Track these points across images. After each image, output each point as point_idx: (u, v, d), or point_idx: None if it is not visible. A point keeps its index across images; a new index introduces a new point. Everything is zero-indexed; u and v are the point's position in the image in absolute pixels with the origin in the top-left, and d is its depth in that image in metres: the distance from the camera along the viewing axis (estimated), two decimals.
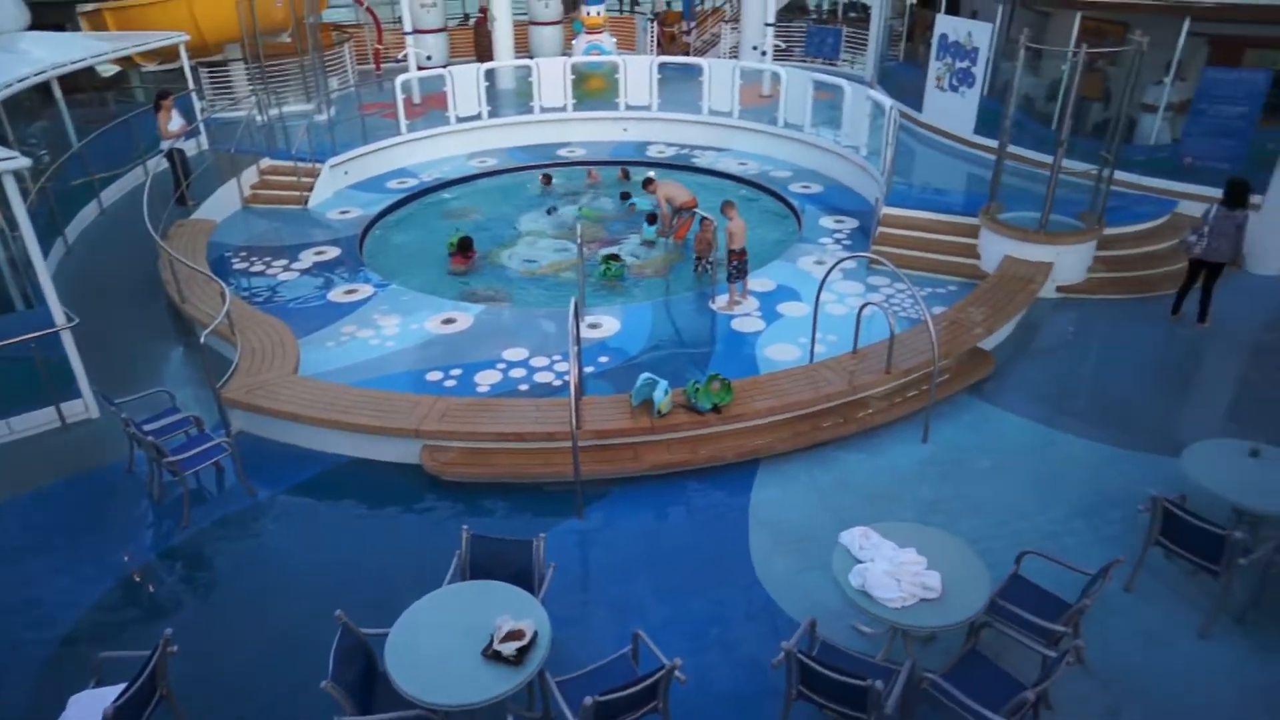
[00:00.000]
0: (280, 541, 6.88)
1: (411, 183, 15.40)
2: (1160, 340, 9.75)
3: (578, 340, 7.38)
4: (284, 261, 12.03)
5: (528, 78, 17.53)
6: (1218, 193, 9.70)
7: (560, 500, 7.19)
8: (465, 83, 16.73)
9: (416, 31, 19.32)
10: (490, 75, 17.66)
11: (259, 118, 15.36)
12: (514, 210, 14.42)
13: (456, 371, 8.98)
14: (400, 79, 16.38)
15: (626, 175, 15.54)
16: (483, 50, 22.32)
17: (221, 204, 13.75)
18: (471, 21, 25.31)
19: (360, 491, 7.45)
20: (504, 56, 20.08)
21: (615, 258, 11.85)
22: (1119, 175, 11.40)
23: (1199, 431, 7.45)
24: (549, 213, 14.14)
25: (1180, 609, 5.92)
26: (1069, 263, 10.62)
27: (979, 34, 14.01)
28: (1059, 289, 10.63)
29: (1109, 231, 11.03)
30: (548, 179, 15.43)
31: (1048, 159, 10.37)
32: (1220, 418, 8.49)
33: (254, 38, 15.61)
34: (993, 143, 11.56)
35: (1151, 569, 6.15)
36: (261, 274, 11.65)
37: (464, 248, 12.30)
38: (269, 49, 17.03)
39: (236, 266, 11.91)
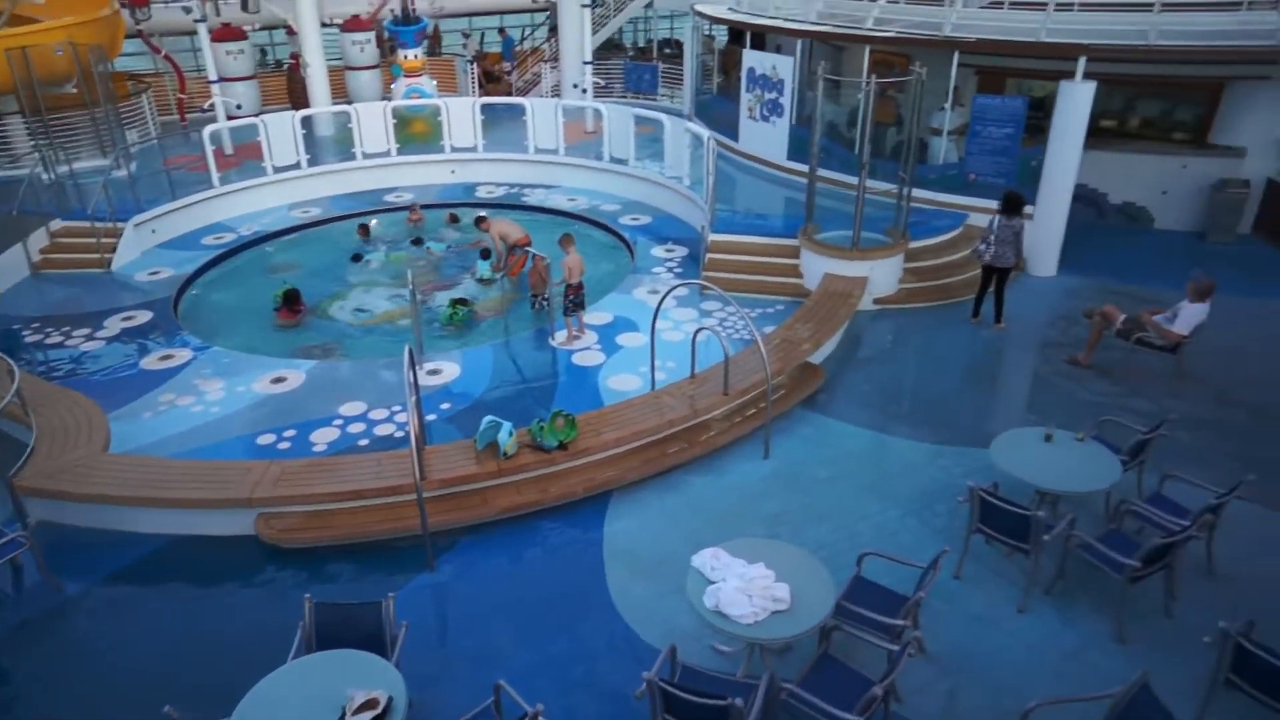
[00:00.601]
0: (96, 640, 6.26)
1: (229, 237, 14.61)
2: (965, 342, 10.63)
3: (416, 389, 7.21)
4: (86, 330, 11.08)
5: (347, 124, 17.09)
6: (997, 205, 10.74)
7: (410, 555, 6.97)
8: (280, 131, 16.11)
9: (223, 80, 18.43)
10: (307, 122, 17.10)
11: (45, 176, 14.13)
12: (343, 259, 13.96)
13: (291, 432, 8.55)
14: (208, 129, 15.57)
15: (455, 219, 15.39)
16: (297, 97, 21.54)
17: (4, 272, 12.51)
18: (284, 68, 24.37)
19: (189, 572, 6.92)
20: (320, 103, 19.48)
21: (463, 301, 11.71)
22: (917, 193, 12.40)
23: (1004, 422, 8.19)
24: (354, 260, 13.75)
25: (1002, 589, 6.44)
26: (882, 276, 11.43)
27: (783, 67, 14.92)
28: (875, 301, 11.40)
29: (913, 245, 11.97)
30: (365, 230, 14.95)
31: (854, 180, 11.16)
32: (1020, 408, 9.37)
33: (31, 89, 14.38)
34: (805, 168, 12.29)
35: (975, 555, 6.66)
36: (60, 345, 10.67)
37: (291, 301, 11.78)
38: (52, 101, 15.75)
39: (29, 339, 10.85)
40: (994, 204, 11.13)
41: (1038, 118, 12.77)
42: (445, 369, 9.83)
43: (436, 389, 9.36)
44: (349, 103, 19.79)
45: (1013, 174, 12.67)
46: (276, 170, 16.12)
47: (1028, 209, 11.64)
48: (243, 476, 7.30)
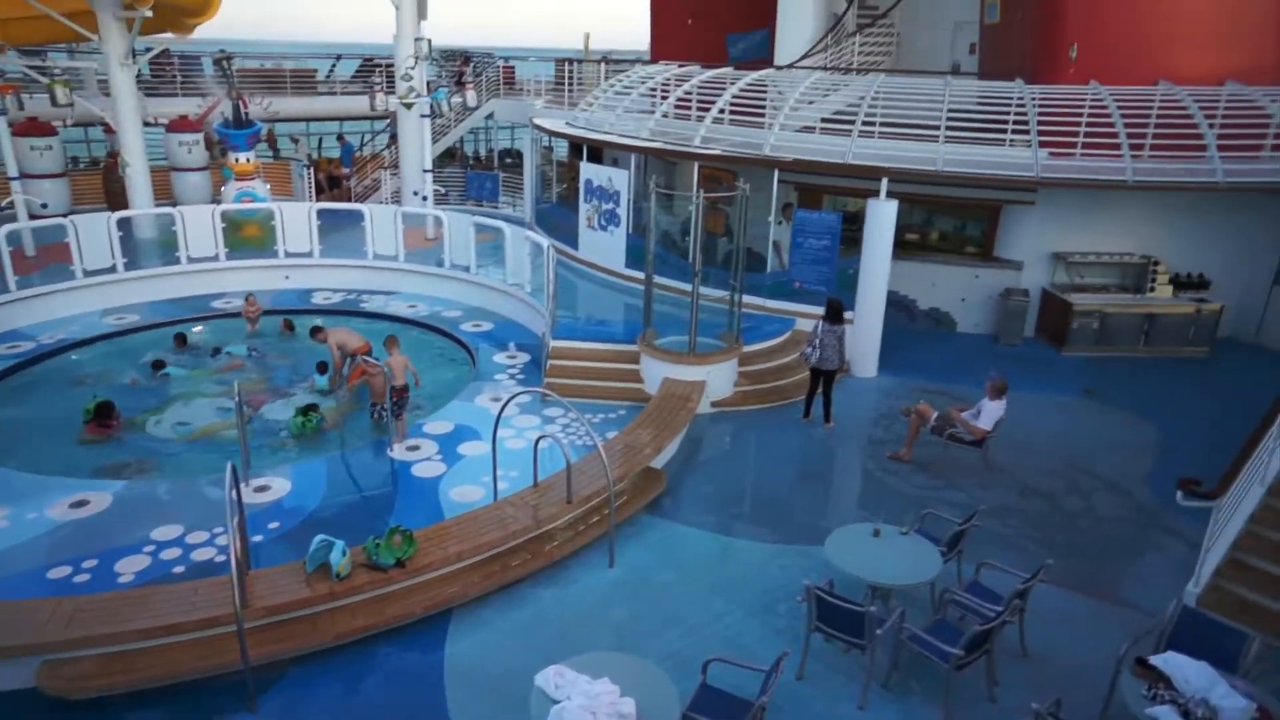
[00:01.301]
0: None
1: (27, 346, 13.38)
2: (799, 442, 11.17)
3: (239, 507, 6.76)
4: None
5: (171, 226, 16.29)
6: (822, 310, 11.53)
7: (228, 695, 6.37)
8: (93, 232, 15.14)
9: (25, 176, 17.22)
10: (125, 224, 16.17)
11: None
12: (182, 369, 13.06)
13: (91, 563, 7.74)
14: (4, 229, 14.40)
15: (289, 326, 14.82)
16: (114, 197, 20.40)
17: None
18: (101, 166, 23.09)
19: None
20: (141, 204, 18.52)
21: (314, 408, 11.19)
22: (748, 299, 13.13)
23: (837, 519, 8.60)
24: (154, 368, 12.89)
25: (843, 686, 6.62)
26: (718, 380, 11.90)
27: (619, 180, 15.62)
28: (713, 404, 11.82)
29: (746, 349, 12.58)
30: (182, 339, 14.10)
31: (689, 287, 11.68)
32: (851, 504, 9.88)
33: None
34: (642, 275, 12.77)
35: (816, 653, 6.84)
36: None
37: (103, 414, 10.87)
38: None
39: None
40: (818, 309, 11.97)
41: (853, 230, 13.95)
42: (274, 485, 9.27)
43: (264, 507, 8.79)
44: (174, 204, 18.95)
45: (832, 282, 13.69)
46: (88, 274, 15.05)
47: (848, 314, 12.57)
48: (24, 618, 6.50)
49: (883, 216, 12.77)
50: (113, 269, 15.40)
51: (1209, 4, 14.90)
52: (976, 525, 7.79)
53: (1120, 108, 13.78)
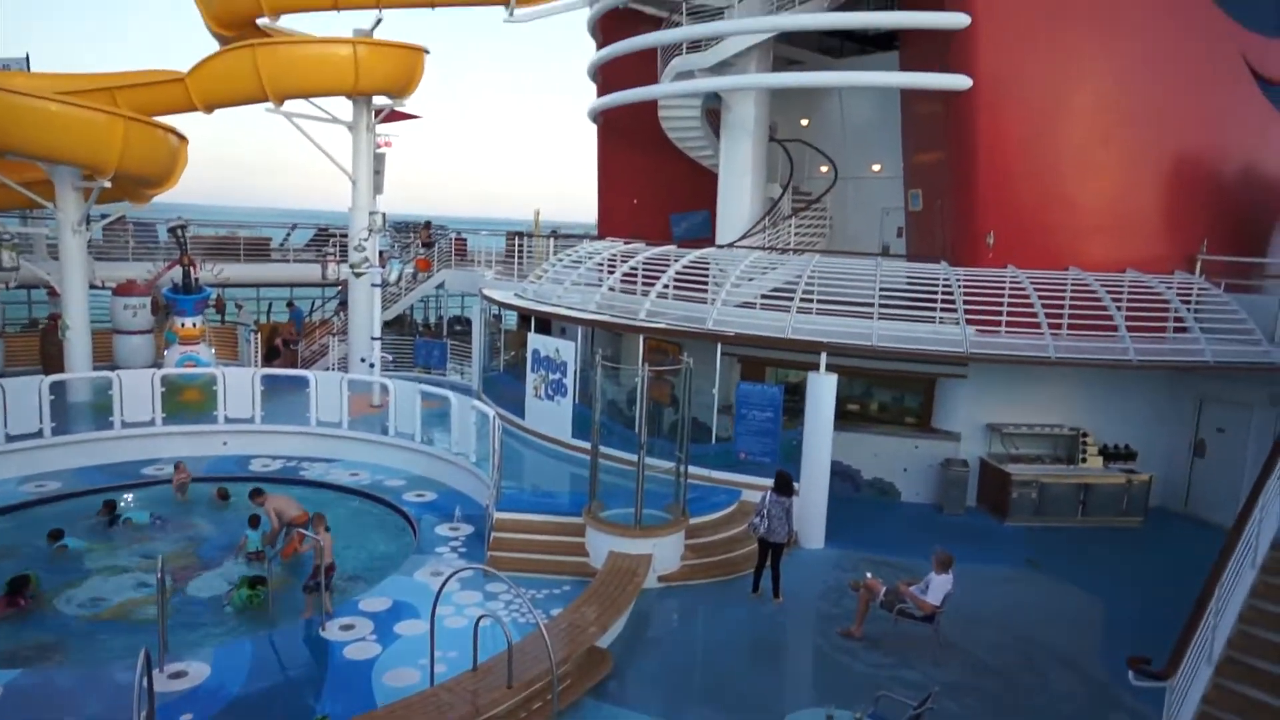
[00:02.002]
0: None
1: None
2: (748, 618, 10.90)
3: (150, 698, 6.27)
4: None
5: (108, 390, 15.97)
6: (769, 482, 11.60)
7: None
8: (21, 396, 14.73)
9: None
10: (59, 388, 15.79)
11: None
12: (82, 541, 12.39)
13: None
14: None
15: (224, 495, 14.33)
16: (50, 360, 20.02)
17: None
18: (40, 328, 22.77)
19: None
20: (78, 367, 18.20)
21: (261, 581, 10.62)
22: (694, 470, 13.18)
23: (790, 701, 8.31)
24: (51, 540, 12.10)
25: None
26: (665, 553, 11.72)
27: (565, 351, 15.94)
28: (660, 579, 11.56)
29: (693, 521, 12.49)
30: (110, 507, 13.44)
31: (635, 457, 11.70)
32: (805, 685, 9.57)
33: None
34: (588, 445, 12.78)
35: None
36: None
37: (15, 589, 10.21)
38: None
39: None
40: (764, 480, 12.04)
41: (795, 401, 14.30)
42: (192, 670, 8.65)
43: (179, 695, 8.16)
44: (113, 368, 18.65)
45: (776, 453, 13.87)
46: (10, 439, 14.52)
47: (796, 485, 12.66)
48: None
49: (823, 389, 13.16)
50: (39, 434, 14.90)
51: (1105, 202, 16.38)
52: (931, 707, 7.59)
53: (1037, 290, 14.77)
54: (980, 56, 15.64)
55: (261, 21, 20.68)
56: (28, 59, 22.19)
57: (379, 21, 20.51)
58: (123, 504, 13.83)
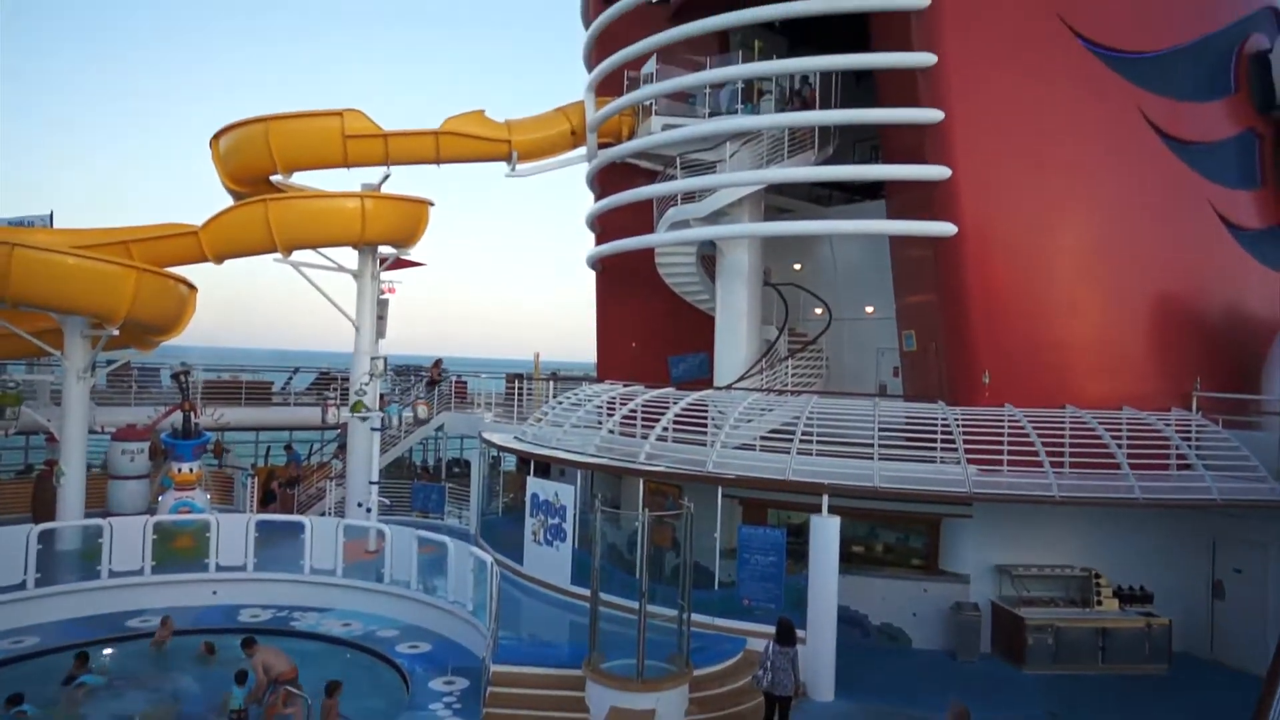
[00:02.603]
0: None
1: None
2: None
3: None
4: None
5: (98, 538, 15.69)
6: (773, 628, 11.21)
7: None
8: (7, 546, 14.49)
9: None
10: (47, 537, 15.53)
11: None
12: (40, 710, 11.81)
13: None
14: None
15: (210, 650, 13.81)
16: (42, 507, 19.77)
17: None
18: (34, 474, 22.62)
19: None
20: (71, 514, 17.97)
21: None
22: (697, 617, 12.72)
23: None
24: (15, 713, 11.22)
25: None
26: (669, 708, 11.15)
27: (565, 495, 15.78)
28: None
29: (697, 672, 11.96)
30: (83, 660, 12.81)
31: (636, 605, 11.33)
32: None
33: None
34: (588, 592, 12.43)
35: None
36: None
37: None
38: None
39: None
40: (768, 627, 11.63)
41: (799, 544, 14.02)
42: None
43: None
44: (105, 514, 18.42)
45: (781, 598, 13.49)
46: None
47: (800, 633, 12.24)
48: None
49: (827, 532, 12.95)
50: (22, 585, 14.53)
51: (1096, 341, 16.69)
52: None
53: (1036, 428, 14.78)
54: (963, 205, 16.32)
55: (275, 178, 21.66)
56: (51, 216, 23.10)
57: (387, 176, 21.50)
58: (95, 665, 13.13)
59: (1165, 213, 17.34)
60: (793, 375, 19.82)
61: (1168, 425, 15.17)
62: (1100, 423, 14.90)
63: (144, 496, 20.98)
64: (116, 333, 18.30)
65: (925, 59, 16.47)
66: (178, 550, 17.36)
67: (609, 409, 17.84)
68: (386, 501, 20.81)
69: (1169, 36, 17.84)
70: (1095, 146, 17.00)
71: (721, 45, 21.05)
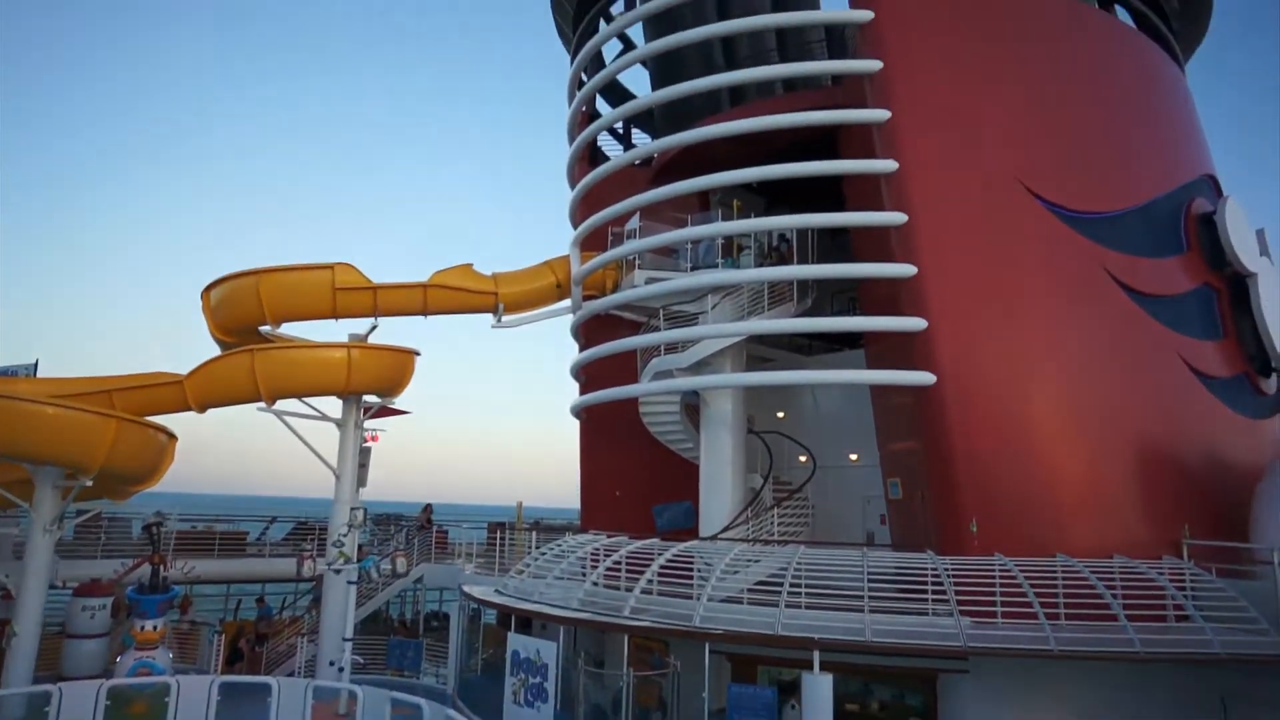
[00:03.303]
0: None
1: None
2: None
3: None
4: None
5: (44, 706, 14.74)
6: None
7: None
8: None
9: None
10: None
11: None
12: None
13: None
14: None
15: None
16: None
17: None
18: None
19: None
20: (18, 679, 17.00)
21: None
22: None
23: None
24: None
25: None
26: None
27: (546, 652, 15.14)
28: None
29: None
30: None
31: None
32: None
33: None
34: None
35: None
36: None
37: None
38: None
39: None
40: None
41: (791, 700, 13.37)
42: None
43: None
44: (58, 678, 17.43)
45: None
46: None
47: None
48: None
49: (819, 691, 12.45)
50: None
51: (1081, 489, 16.73)
52: None
53: (1028, 578, 14.51)
54: (940, 355, 16.71)
55: (264, 329, 21.94)
56: (36, 365, 23.12)
57: (374, 327, 21.83)
58: None
59: (1138, 362, 17.83)
60: (779, 524, 19.56)
61: (1161, 574, 14.95)
62: (1093, 571, 14.67)
63: (102, 657, 19.95)
64: (90, 483, 17.94)
65: (896, 218, 17.32)
66: (133, 716, 16.32)
67: (593, 560, 17.43)
68: (360, 660, 19.89)
69: (1122, 199, 18.98)
70: (1064, 299, 17.67)
71: (702, 203, 22.10)
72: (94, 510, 22.39)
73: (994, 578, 14.60)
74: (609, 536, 18.86)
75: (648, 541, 17.66)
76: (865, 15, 18.50)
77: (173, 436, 19.80)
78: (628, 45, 26.46)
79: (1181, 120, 22.82)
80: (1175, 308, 18.95)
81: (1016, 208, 17.75)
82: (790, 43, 25.35)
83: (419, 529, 26.65)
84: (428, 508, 28.80)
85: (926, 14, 18.80)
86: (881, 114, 17.83)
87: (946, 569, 14.84)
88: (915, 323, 16.86)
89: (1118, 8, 22.82)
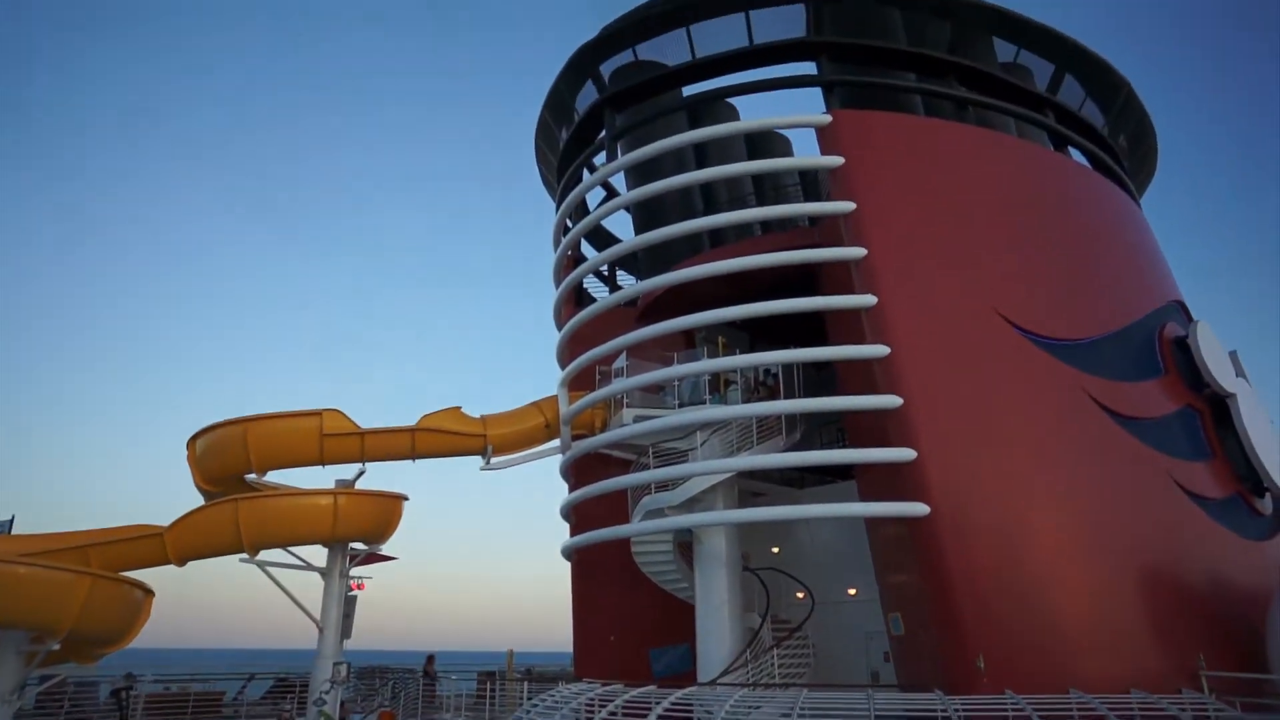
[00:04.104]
0: None
1: None
2: None
3: None
4: None
5: None
6: None
7: None
8: None
9: None
10: None
11: None
12: None
13: None
14: None
15: None
16: None
17: None
18: None
19: None
20: None
21: None
22: None
23: None
24: None
25: None
26: None
27: None
28: None
29: None
30: None
31: None
32: None
33: None
34: None
35: None
36: None
37: None
38: None
39: None
40: None
41: None
42: None
43: None
44: None
45: None
46: None
47: None
48: None
49: None
50: None
51: (1088, 619, 16.31)
52: None
53: (1042, 717, 13.89)
54: (932, 484, 16.61)
55: (249, 477, 21.65)
56: (11, 521, 22.56)
57: (361, 473, 21.59)
58: None
59: (1132, 485, 17.81)
60: (779, 666, 18.84)
61: (1183, 711, 14.35)
62: (1111, 709, 14.07)
63: None
64: (57, 647, 17.12)
65: (878, 350, 17.62)
66: None
67: (587, 712, 16.59)
68: None
69: (1096, 327, 19.50)
70: (1050, 424, 17.83)
71: (688, 341, 22.44)
72: (59, 676, 21.28)
73: (1006, 717, 13.97)
74: (604, 685, 18.04)
75: (644, 689, 16.87)
76: (835, 160, 19.49)
77: (149, 592, 19.09)
78: (610, 191, 27.60)
79: (1144, 250, 23.78)
80: (1161, 430, 19.12)
81: (995, 337, 18.15)
82: (766, 185, 26.53)
83: (424, 675, 25.42)
84: (431, 658, 27.59)
85: (893, 157, 19.85)
86: (858, 251, 18.47)
87: (957, 710, 14.21)
88: (904, 453, 16.85)
89: (1071, 149, 24.17)
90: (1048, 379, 18.16)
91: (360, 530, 20.28)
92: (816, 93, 21.58)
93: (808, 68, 21.90)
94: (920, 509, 16.40)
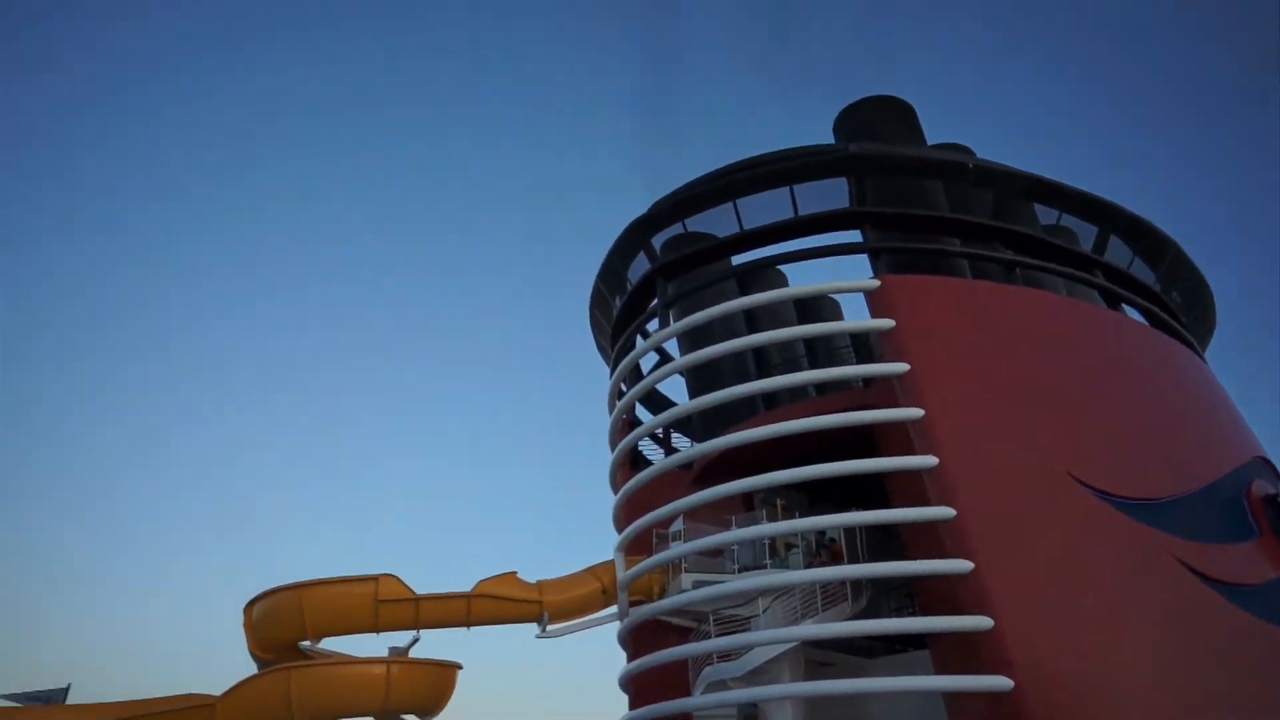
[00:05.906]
0: None
1: None
2: None
3: None
4: None
5: None
6: None
7: None
8: None
9: None
10: None
11: None
12: None
13: None
14: None
15: None
16: None
17: None
18: None
19: None
20: None
21: None
22: None
23: None
24: None
25: None
26: None
27: None
28: None
29: None
30: None
31: None
32: None
33: None
34: None
35: None
36: None
37: None
38: None
39: None
40: None
41: None
42: None
43: None
44: None
45: None
46: None
47: None
48: None
49: None
50: None
51: None
52: None
53: None
54: (1013, 655, 15.63)
55: (304, 644, 21.33)
56: (67, 690, 22.37)
57: (416, 640, 21.12)
58: None
59: (1241, 660, 16.55)
60: None
61: None
62: None
63: None
64: None
65: (944, 512, 17.10)
66: None
67: None
68: None
69: (1173, 485, 18.75)
70: (1136, 591, 16.87)
71: (746, 503, 22.07)
72: None
73: None
74: None
75: None
76: (887, 323, 19.75)
77: None
78: (664, 356, 28.15)
79: (1215, 404, 23.14)
80: (1266, 598, 17.93)
81: (1068, 497, 17.55)
82: (819, 347, 26.80)
83: None
84: None
85: (944, 319, 20.06)
86: (915, 412, 18.33)
87: None
88: (981, 621, 15.99)
89: (1126, 308, 24.14)
90: (1128, 541, 17.34)
91: (413, 701, 19.66)
92: (863, 258, 22.24)
93: (853, 235, 22.66)
94: (1004, 683, 15.36)
